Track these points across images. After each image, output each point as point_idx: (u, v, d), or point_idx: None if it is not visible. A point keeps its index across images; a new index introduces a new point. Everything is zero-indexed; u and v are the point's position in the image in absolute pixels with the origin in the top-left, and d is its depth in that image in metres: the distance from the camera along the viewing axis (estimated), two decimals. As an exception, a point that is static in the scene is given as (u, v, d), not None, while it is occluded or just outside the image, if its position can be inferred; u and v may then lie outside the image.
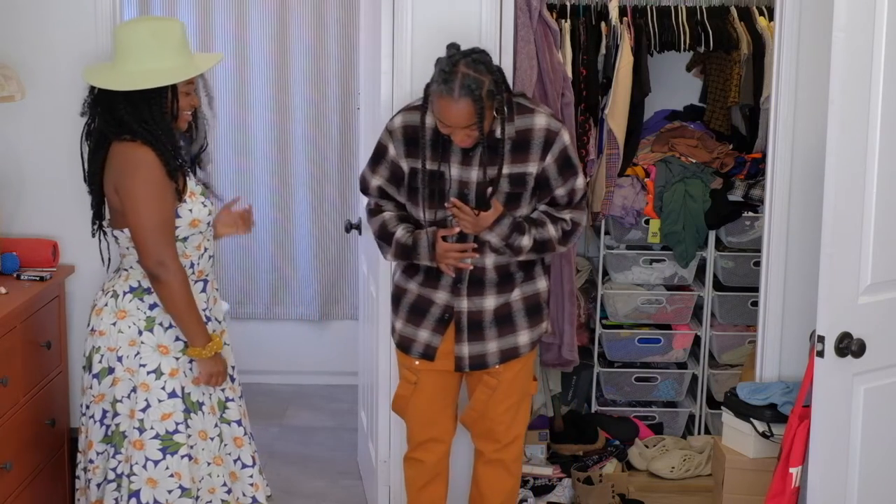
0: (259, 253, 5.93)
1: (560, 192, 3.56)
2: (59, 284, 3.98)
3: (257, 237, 5.88)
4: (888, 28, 2.97)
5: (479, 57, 3.42)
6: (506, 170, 3.50)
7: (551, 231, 3.56)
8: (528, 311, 3.66)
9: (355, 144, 5.63)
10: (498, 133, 3.47)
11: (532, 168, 3.51)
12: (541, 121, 3.51)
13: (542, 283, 3.69)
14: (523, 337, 3.66)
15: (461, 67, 3.37)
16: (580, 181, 3.57)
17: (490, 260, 3.57)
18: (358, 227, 4.54)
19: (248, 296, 5.96)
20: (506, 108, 3.46)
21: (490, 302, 3.61)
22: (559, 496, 4.51)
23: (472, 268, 3.56)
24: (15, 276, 3.90)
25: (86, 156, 3.35)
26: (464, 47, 3.49)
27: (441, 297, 3.62)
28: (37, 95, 3.99)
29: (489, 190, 3.50)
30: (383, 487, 4.25)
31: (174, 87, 3.27)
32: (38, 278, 3.88)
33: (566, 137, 3.53)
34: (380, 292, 4.09)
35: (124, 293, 3.34)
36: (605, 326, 5.06)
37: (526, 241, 3.53)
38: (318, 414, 5.63)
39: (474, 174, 3.51)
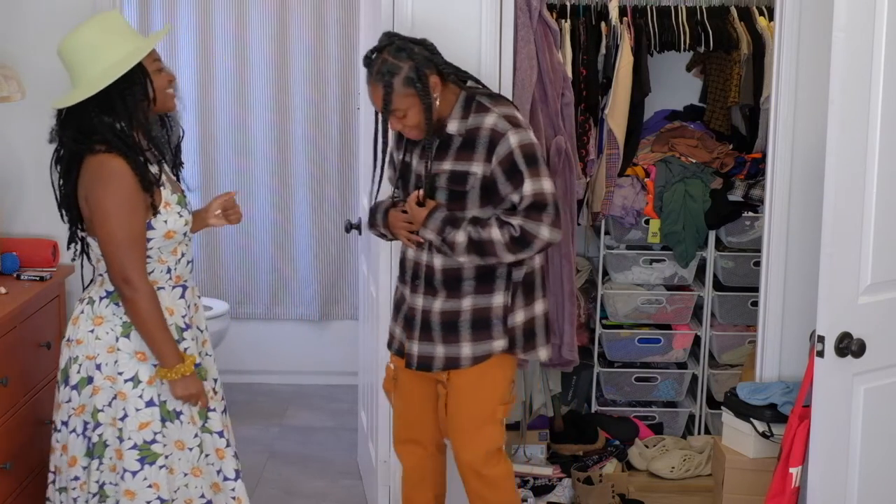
0: (259, 253, 5.93)
1: (515, 198, 3.39)
2: (58, 284, 3.98)
3: (257, 237, 5.88)
4: (888, 28, 2.96)
5: (403, 44, 3.37)
6: (448, 166, 3.43)
7: (494, 233, 3.37)
8: (475, 323, 3.49)
9: (355, 144, 5.63)
10: (448, 128, 3.43)
11: (476, 168, 3.40)
12: (489, 120, 3.39)
13: (498, 299, 3.49)
14: (465, 349, 3.52)
15: (384, 53, 3.36)
16: (529, 187, 3.35)
17: (439, 261, 3.49)
18: (358, 227, 4.54)
19: (248, 296, 5.96)
20: (436, 101, 3.37)
21: (439, 304, 3.51)
22: (559, 496, 4.51)
23: (421, 241, 3.49)
24: (15, 276, 3.90)
25: (56, 182, 3.20)
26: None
27: (407, 293, 3.60)
28: (37, 95, 3.98)
29: (420, 192, 3.44)
30: (383, 487, 4.25)
31: (144, 70, 3.14)
32: (38, 278, 3.88)
33: (514, 141, 3.35)
34: (380, 292, 4.09)
35: (101, 298, 3.22)
36: (605, 326, 5.05)
37: (461, 238, 3.39)
38: (318, 414, 5.63)
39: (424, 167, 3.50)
